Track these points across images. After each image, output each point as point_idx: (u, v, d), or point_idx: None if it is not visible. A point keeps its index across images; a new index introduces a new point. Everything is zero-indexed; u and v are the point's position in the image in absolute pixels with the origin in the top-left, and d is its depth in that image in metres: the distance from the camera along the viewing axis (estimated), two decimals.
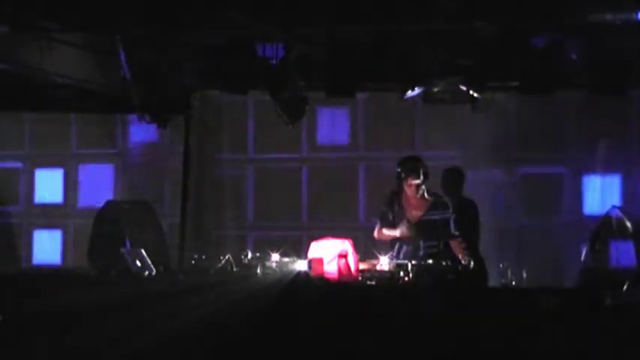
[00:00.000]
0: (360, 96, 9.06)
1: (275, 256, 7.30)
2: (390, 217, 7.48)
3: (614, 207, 6.80)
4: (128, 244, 7.80)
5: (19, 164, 11.35)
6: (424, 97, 8.62)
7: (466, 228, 7.61)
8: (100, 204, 8.63)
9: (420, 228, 7.45)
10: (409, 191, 7.37)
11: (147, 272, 7.26)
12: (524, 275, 6.64)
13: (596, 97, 8.27)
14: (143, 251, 7.35)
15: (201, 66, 8.99)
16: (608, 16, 7.32)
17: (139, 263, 7.29)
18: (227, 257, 7.37)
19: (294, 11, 7.54)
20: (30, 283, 7.26)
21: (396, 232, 7.31)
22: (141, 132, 9.79)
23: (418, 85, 8.30)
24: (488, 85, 8.32)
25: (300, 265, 7.05)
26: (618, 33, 7.50)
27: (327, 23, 7.75)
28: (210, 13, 7.58)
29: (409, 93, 8.35)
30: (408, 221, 7.18)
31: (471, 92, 8.25)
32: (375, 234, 7.51)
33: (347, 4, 7.39)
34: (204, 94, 10.07)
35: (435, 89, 8.52)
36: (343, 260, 6.84)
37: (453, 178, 8.24)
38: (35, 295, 6.55)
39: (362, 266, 6.99)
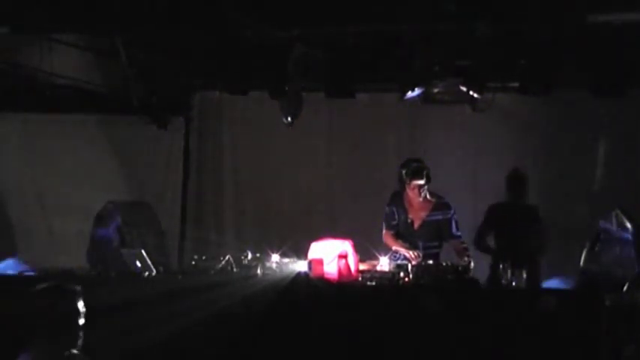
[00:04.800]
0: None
1: (275, 257, 7.32)
2: (395, 217, 7.51)
3: (614, 207, 6.77)
4: (128, 245, 7.79)
5: None
6: (424, 97, 8.62)
7: (531, 236, 7.65)
8: None
9: (423, 229, 7.49)
10: (412, 193, 7.40)
11: (147, 273, 7.26)
12: (524, 275, 6.63)
13: (596, 98, 8.26)
14: (143, 252, 7.35)
15: (201, 66, 8.99)
16: (608, 16, 7.31)
17: (138, 264, 7.29)
18: (227, 258, 7.38)
19: (294, 11, 7.54)
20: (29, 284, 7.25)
21: (404, 251, 7.33)
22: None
23: (418, 85, 8.30)
24: (488, 86, 8.32)
25: (300, 266, 7.06)
26: (618, 33, 7.48)
27: (328, 23, 7.74)
28: (210, 13, 7.57)
29: (409, 93, 8.35)
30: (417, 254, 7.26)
31: (471, 93, 8.24)
32: (383, 238, 7.54)
33: (347, 4, 7.38)
34: (204, 94, 10.06)
35: (435, 90, 8.52)
36: (343, 261, 6.84)
37: (519, 182, 8.12)
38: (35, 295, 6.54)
39: (362, 267, 7.00)
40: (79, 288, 4.15)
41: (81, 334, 4.10)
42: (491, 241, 7.89)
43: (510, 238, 7.71)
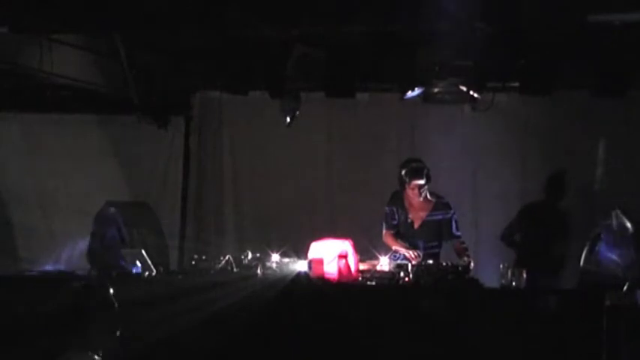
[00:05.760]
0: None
1: (275, 257, 7.31)
2: (395, 217, 7.52)
3: (614, 207, 6.77)
4: (128, 245, 7.78)
5: None
6: (424, 97, 8.61)
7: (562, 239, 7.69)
8: None
9: (423, 229, 7.49)
10: (412, 193, 7.41)
11: (147, 273, 7.26)
12: (524, 275, 6.63)
13: (596, 98, 8.26)
14: (143, 252, 7.34)
15: (201, 66, 8.98)
16: (608, 16, 7.30)
17: (138, 264, 7.29)
18: (227, 258, 7.38)
19: (294, 11, 7.53)
20: (30, 284, 7.26)
21: (403, 251, 7.34)
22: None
23: (418, 85, 8.29)
24: (488, 86, 8.31)
25: (300, 266, 7.05)
26: (618, 33, 7.48)
27: (327, 23, 7.74)
28: (210, 13, 7.57)
29: (409, 93, 8.34)
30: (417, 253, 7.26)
31: (471, 93, 8.23)
32: (383, 238, 7.55)
33: (347, 4, 7.38)
34: (204, 94, 10.05)
35: (435, 90, 8.52)
36: (343, 261, 6.85)
37: (560, 184, 8.15)
38: (36, 296, 6.55)
39: (362, 267, 7.00)
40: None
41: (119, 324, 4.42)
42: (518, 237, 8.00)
43: (538, 239, 7.77)
